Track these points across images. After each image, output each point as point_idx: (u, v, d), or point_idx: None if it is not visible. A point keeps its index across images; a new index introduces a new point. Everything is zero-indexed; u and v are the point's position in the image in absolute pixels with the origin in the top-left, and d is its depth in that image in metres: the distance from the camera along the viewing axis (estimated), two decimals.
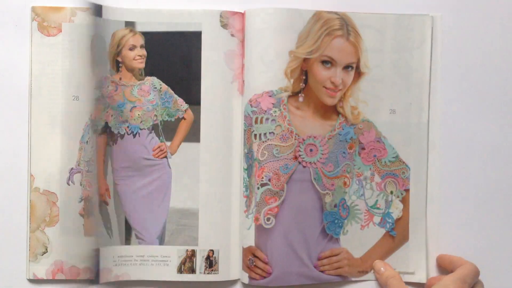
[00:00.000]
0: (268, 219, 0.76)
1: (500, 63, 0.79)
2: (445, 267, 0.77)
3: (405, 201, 0.78)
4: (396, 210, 0.78)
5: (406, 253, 0.78)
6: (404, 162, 0.77)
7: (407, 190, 0.77)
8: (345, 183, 0.77)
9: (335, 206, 0.77)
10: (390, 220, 0.78)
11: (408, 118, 0.77)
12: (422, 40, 0.77)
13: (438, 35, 0.78)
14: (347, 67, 0.75)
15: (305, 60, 0.75)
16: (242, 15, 0.76)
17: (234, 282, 0.78)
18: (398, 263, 0.78)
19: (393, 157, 0.77)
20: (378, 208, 0.78)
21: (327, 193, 0.76)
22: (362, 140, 0.77)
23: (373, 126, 0.77)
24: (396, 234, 0.77)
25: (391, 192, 0.77)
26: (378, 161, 0.77)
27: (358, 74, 0.76)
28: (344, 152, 0.77)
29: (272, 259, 0.76)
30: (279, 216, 0.76)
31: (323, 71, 0.75)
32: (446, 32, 0.78)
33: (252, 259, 0.76)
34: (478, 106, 0.79)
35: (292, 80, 0.76)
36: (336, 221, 0.77)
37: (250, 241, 0.76)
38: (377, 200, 0.77)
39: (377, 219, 0.78)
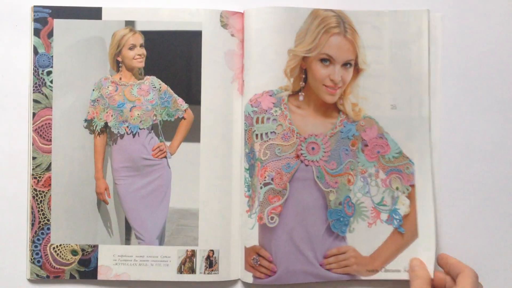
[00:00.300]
0: (272, 218, 0.75)
1: (498, 54, 0.79)
2: (441, 266, 0.75)
3: (411, 196, 0.76)
4: (403, 206, 0.76)
5: (416, 250, 0.76)
6: (407, 157, 0.77)
7: (412, 186, 0.76)
8: (349, 181, 0.76)
9: (339, 204, 0.76)
10: (397, 217, 0.76)
11: (409, 113, 0.77)
12: (419, 34, 0.77)
13: (435, 28, 0.78)
14: (345, 64, 0.75)
15: (304, 58, 0.76)
16: (242, 15, 0.77)
17: (234, 282, 0.77)
18: (409, 261, 0.76)
19: (397, 153, 0.77)
20: (384, 205, 0.76)
21: (330, 191, 0.76)
22: (364, 137, 0.77)
23: (375, 122, 0.77)
24: (405, 231, 0.76)
25: (397, 188, 0.76)
26: (382, 157, 0.76)
27: (357, 70, 0.76)
28: (346, 150, 0.76)
29: (277, 257, 0.75)
30: (283, 215, 0.75)
31: (322, 69, 0.75)
32: (443, 25, 0.78)
33: (256, 258, 0.75)
34: (478, 99, 0.79)
35: (292, 79, 0.76)
36: (341, 219, 0.76)
37: (254, 241, 0.75)
38: (383, 197, 0.76)
39: (384, 216, 0.76)
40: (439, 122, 0.78)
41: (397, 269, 0.76)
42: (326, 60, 0.75)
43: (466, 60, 0.78)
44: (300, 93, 0.76)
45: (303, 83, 0.76)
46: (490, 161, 0.78)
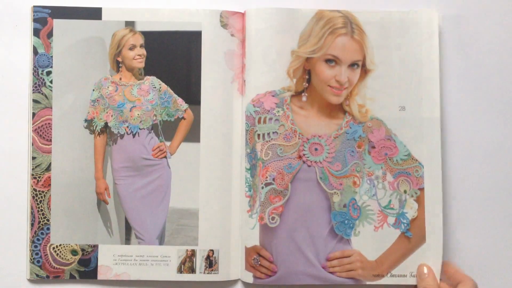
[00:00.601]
0: (273, 218, 0.74)
1: (509, 54, 0.77)
2: (445, 274, 0.73)
3: (420, 200, 0.75)
4: (411, 210, 0.75)
5: (423, 255, 0.74)
6: (417, 160, 0.75)
7: (421, 189, 0.75)
8: (354, 183, 0.75)
9: (344, 206, 0.74)
10: (405, 221, 0.75)
11: (419, 114, 0.75)
12: (430, 35, 0.75)
13: (444, 30, 0.77)
14: (352, 65, 0.74)
15: (307, 59, 0.75)
16: (242, 15, 0.77)
17: (234, 282, 0.77)
18: (415, 266, 0.74)
19: (405, 155, 0.75)
20: (392, 209, 0.75)
21: (335, 192, 0.74)
22: (371, 139, 0.75)
23: (383, 124, 0.75)
24: (412, 235, 0.74)
25: (405, 191, 0.75)
26: (390, 159, 0.75)
27: (365, 71, 0.75)
28: (352, 151, 0.75)
29: (278, 258, 0.75)
30: (284, 215, 0.74)
31: (327, 70, 0.74)
32: (452, 27, 0.77)
33: (257, 258, 0.75)
34: (492, 99, 0.77)
35: (294, 80, 0.76)
36: (346, 221, 0.74)
37: (255, 241, 0.75)
38: (390, 200, 0.75)
39: (391, 219, 0.75)
40: (450, 122, 0.76)
41: (403, 274, 0.74)
42: (332, 61, 0.74)
43: (468, 60, 0.77)
44: (303, 94, 0.76)
45: (306, 84, 0.76)
46: (503, 164, 0.76)
